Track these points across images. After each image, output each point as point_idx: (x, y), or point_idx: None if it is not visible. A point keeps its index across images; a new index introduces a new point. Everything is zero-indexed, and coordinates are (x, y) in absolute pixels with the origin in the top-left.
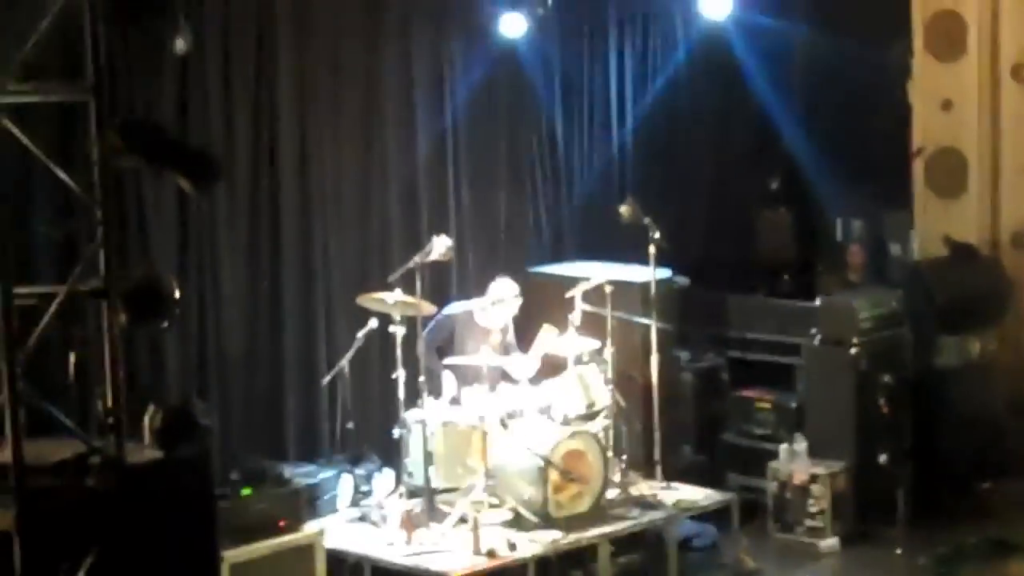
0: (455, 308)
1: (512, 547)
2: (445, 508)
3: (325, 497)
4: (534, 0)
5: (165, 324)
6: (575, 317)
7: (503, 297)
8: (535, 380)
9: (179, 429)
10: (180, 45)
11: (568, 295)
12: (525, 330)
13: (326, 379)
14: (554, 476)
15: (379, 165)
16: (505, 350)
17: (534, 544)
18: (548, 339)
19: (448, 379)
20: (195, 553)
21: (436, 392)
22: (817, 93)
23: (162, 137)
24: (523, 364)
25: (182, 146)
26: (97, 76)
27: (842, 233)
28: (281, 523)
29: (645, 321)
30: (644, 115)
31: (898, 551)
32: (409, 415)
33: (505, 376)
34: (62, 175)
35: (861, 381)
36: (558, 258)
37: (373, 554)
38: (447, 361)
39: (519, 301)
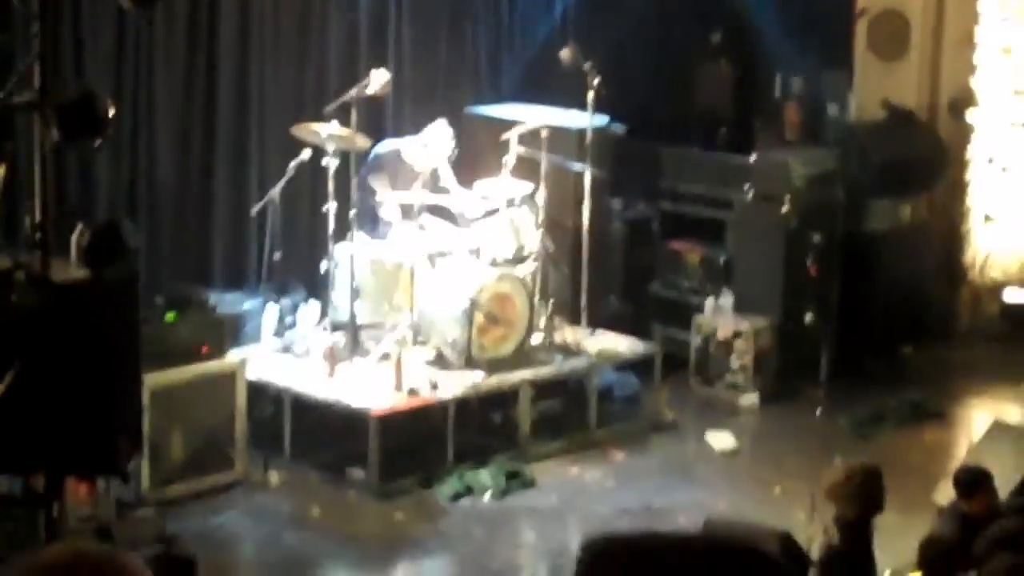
0: (383, 147)
1: (434, 386)
2: (369, 344)
3: (249, 326)
4: None
5: (97, 142)
6: (509, 160)
7: (433, 139)
8: (465, 221)
9: (107, 248)
10: None
11: (504, 137)
12: (461, 170)
13: (255, 208)
14: (479, 318)
15: None
16: (434, 190)
17: (456, 385)
18: (488, 184)
19: (389, 211)
20: (117, 375)
21: (367, 227)
22: None
23: None
24: (466, 200)
25: None
26: None
27: (781, 90)
28: (203, 349)
29: (579, 167)
30: None
31: (818, 411)
32: (337, 249)
33: (435, 213)
34: None
35: (791, 239)
36: (496, 100)
37: (294, 386)
38: (379, 196)
39: (452, 144)
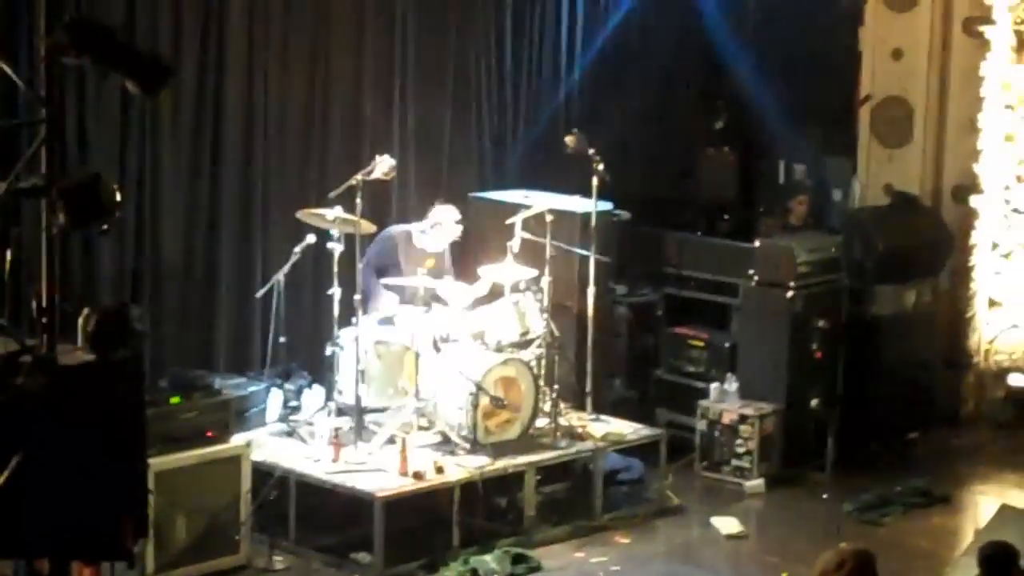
0: (394, 229)
1: (439, 470)
2: (374, 428)
3: (254, 410)
4: None
5: (104, 227)
6: (514, 244)
7: (441, 221)
8: (470, 306)
9: (113, 332)
10: None
11: (508, 222)
12: (465, 255)
13: (260, 292)
14: (485, 402)
15: (324, 81)
16: (441, 274)
17: (461, 468)
18: (494, 270)
19: (388, 299)
20: (122, 458)
21: (373, 311)
22: (768, 35)
23: (111, 37)
24: (460, 291)
25: (130, 48)
26: None
27: (784, 176)
28: (209, 433)
29: (583, 252)
30: (594, 48)
31: (824, 496)
32: (343, 332)
33: (440, 300)
34: (7, 69)
35: (796, 324)
36: (500, 185)
37: (299, 469)
38: (385, 281)
39: (459, 227)
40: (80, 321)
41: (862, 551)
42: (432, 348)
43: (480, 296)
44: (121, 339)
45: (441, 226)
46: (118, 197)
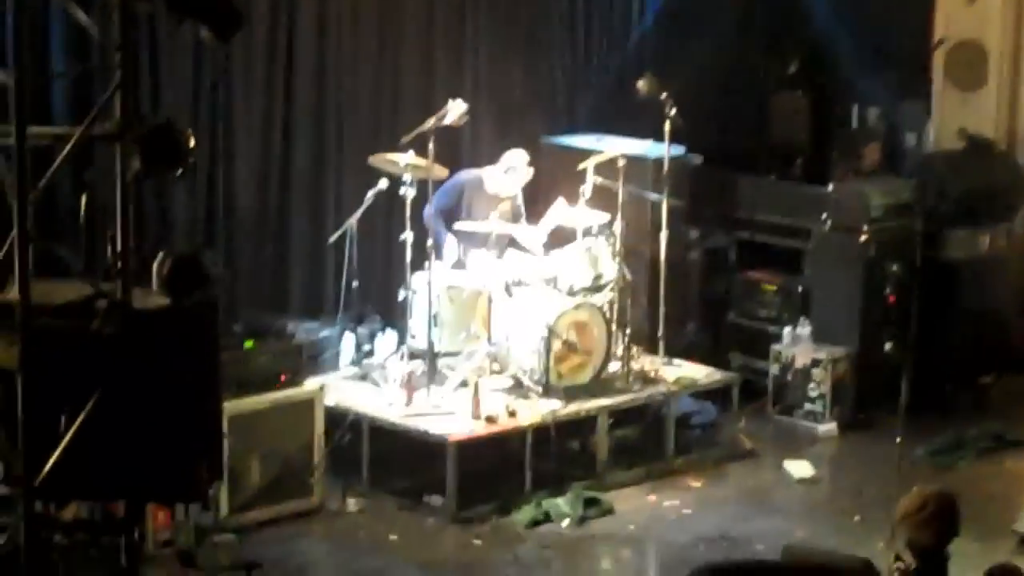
0: (465, 174)
1: (512, 414)
2: (447, 372)
3: (327, 354)
4: None
5: (178, 172)
6: (586, 189)
7: (515, 166)
8: (543, 250)
9: (188, 277)
10: None
11: (580, 167)
12: (536, 200)
13: (333, 237)
14: (557, 346)
15: (397, 25)
16: (514, 218)
17: (534, 412)
18: (560, 211)
19: (452, 243)
20: (197, 402)
21: (440, 256)
22: None
23: None
24: (533, 234)
25: None
26: None
27: (858, 121)
28: (282, 377)
29: (656, 197)
30: None
31: (897, 440)
32: (415, 277)
33: (513, 244)
34: (81, 16)
35: (869, 269)
36: (573, 130)
37: (372, 413)
38: (456, 226)
39: (530, 171)
40: (155, 266)
41: (944, 493)
42: (504, 292)
43: (550, 239)
44: (195, 283)
45: (514, 170)
46: (192, 143)
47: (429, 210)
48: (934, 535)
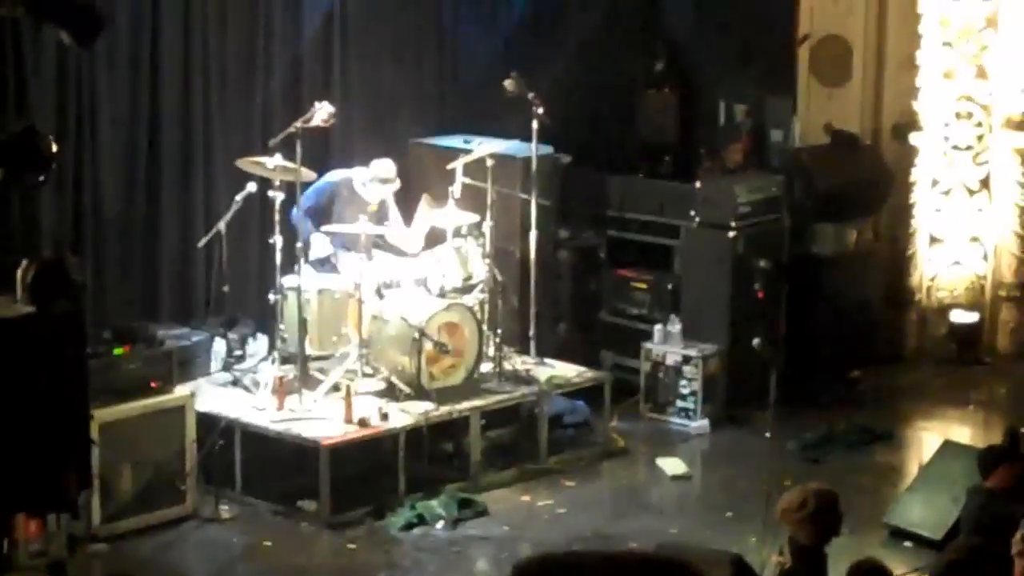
0: (335, 175)
1: (384, 417)
2: (318, 375)
3: (198, 360)
4: None
5: (41, 179)
6: (455, 189)
7: (382, 176)
8: (408, 254)
9: (52, 284)
10: None
11: (449, 167)
12: (406, 201)
13: (203, 241)
14: (428, 347)
15: (265, 26)
16: (381, 220)
17: (406, 415)
18: (428, 212)
19: (321, 243)
20: (65, 410)
21: (307, 256)
22: None
23: None
24: (408, 235)
25: None
26: None
27: (725, 117)
28: (153, 384)
29: (525, 196)
30: None
31: (767, 435)
32: (285, 280)
33: (380, 245)
34: None
35: (738, 265)
36: (442, 130)
37: (244, 418)
38: (326, 228)
39: (397, 182)
40: (18, 273)
41: (825, 490)
42: (375, 294)
43: (423, 240)
44: (60, 290)
45: (381, 180)
46: (55, 148)
47: (297, 211)
48: (814, 533)
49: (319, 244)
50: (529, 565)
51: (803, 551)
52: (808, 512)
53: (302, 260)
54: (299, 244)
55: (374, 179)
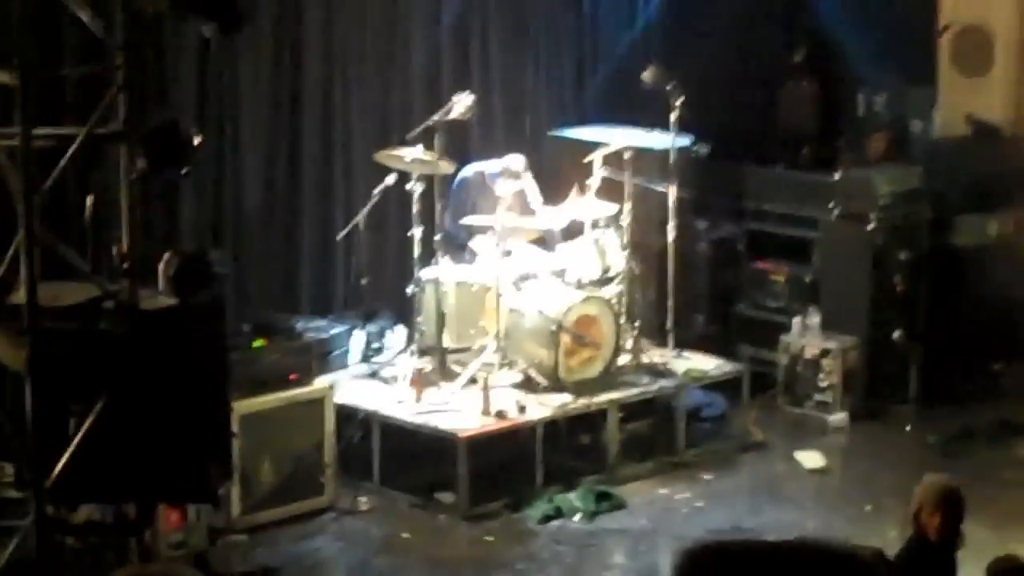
0: (468, 170)
1: (522, 409)
2: (456, 368)
3: (337, 352)
4: None
5: (183, 171)
6: (594, 181)
7: (509, 171)
8: (551, 244)
9: (194, 276)
10: None
11: (587, 159)
12: (544, 194)
13: (341, 234)
14: (566, 340)
15: (404, 20)
16: (521, 212)
17: (543, 407)
18: (572, 204)
19: (468, 237)
20: (206, 402)
21: (455, 251)
22: None
23: None
24: (548, 225)
25: None
26: None
27: (865, 108)
28: (292, 376)
29: (663, 188)
30: None
31: (907, 428)
32: (423, 273)
33: (519, 238)
34: (85, 17)
35: (877, 257)
36: (580, 122)
37: (382, 411)
38: (464, 220)
39: (525, 178)
40: (161, 266)
41: (949, 484)
42: (513, 287)
43: (560, 233)
44: (202, 283)
45: (512, 175)
46: (197, 141)
47: (448, 220)
48: (941, 526)
49: (472, 241)
50: (695, 551)
51: (928, 548)
52: (933, 505)
53: (441, 253)
54: (437, 237)
55: (503, 174)
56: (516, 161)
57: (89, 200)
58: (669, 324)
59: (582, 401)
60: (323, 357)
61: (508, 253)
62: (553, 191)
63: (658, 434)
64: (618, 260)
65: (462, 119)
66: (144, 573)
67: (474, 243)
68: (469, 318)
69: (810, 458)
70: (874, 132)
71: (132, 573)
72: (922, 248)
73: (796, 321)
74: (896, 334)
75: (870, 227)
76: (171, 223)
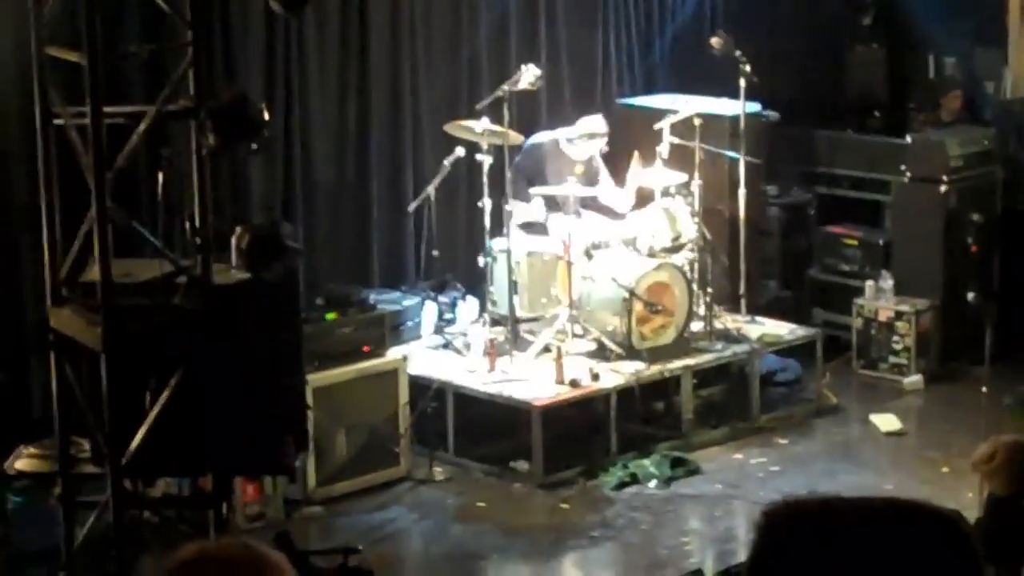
0: (541, 137)
1: (595, 377)
2: (529, 337)
3: (409, 323)
4: None
5: (254, 146)
6: (663, 149)
7: (591, 132)
8: (617, 213)
9: (267, 250)
10: None
11: (656, 127)
12: (613, 162)
13: (412, 206)
14: (638, 307)
15: None
16: (590, 181)
17: (617, 375)
18: (638, 170)
19: (536, 206)
20: (281, 375)
21: (522, 219)
22: None
23: None
24: (619, 196)
25: None
26: None
27: (935, 71)
28: (365, 348)
29: (733, 155)
30: None
31: (983, 390)
32: (494, 243)
33: (590, 206)
34: None
35: (950, 219)
36: (648, 90)
37: (456, 381)
38: (534, 190)
39: (605, 138)
40: (233, 240)
41: (1014, 441)
42: (584, 256)
43: (633, 199)
44: (275, 256)
45: (592, 136)
46: (266, 116)
47: (510, 175)
48: (1004, 484)
49: (536, 209)
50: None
51: (998, 503)
52: (996, 463)
53: (512, 222)
54: (508, 207)
55: (583, 135)
56: (597, 122)
57: (160, 176)
58: (742, 290)
59: (656, 368)
60: (396, 329)
61: (578, 221)
62: (623, 160)
63: (732, 400)
64: (689, 227)
65: (531, 89)
66: (207, 548)
67: (538, 209)
68: (541, 287)
69: (885, 421)
70: (946, 93)
71: (196, 550)
72: (994, 209)
73: (869, 284)
74: (970, 296)
75: (942, 189)
76: (241, 199)
